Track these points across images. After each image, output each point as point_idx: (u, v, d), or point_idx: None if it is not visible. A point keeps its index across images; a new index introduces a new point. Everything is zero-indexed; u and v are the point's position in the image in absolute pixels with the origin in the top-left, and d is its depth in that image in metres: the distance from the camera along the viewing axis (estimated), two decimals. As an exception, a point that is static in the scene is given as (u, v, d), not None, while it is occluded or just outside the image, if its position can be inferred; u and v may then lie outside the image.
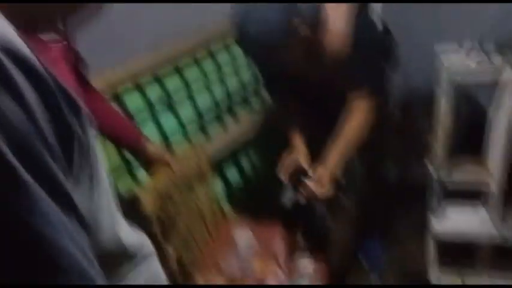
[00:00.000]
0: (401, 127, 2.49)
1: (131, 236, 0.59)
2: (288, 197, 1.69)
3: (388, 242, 2.19)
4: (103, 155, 0.56)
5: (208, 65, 2.14)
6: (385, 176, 2.20)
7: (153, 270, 0.64)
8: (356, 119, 1.62)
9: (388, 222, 2.28)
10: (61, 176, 0.41)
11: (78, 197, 0.46)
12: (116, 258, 0.56)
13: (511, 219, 1.82)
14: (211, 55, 2.14)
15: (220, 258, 1.69)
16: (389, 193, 2.16)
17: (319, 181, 1.58)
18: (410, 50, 2.10)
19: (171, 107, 1.96)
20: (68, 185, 0.42)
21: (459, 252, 2.00)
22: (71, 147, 0.45)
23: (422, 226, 2.09)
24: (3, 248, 0.36)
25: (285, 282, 1.60)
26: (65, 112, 0.43)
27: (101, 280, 0.44)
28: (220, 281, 1.61)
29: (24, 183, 0.36)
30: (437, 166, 1.78)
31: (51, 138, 0.42)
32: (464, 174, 1.81)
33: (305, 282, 1.59)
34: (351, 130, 1.61)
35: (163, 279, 0.67)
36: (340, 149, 1.61)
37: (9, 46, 0.38)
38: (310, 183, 1.60)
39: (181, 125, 2.05)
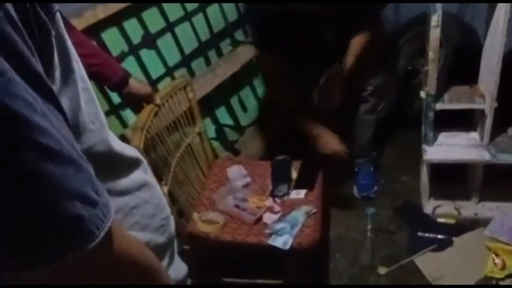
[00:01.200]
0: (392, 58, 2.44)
1: (123, 146, 0.57)
2: (280, 189, 1.70)
3: (381, 172, 2.20)
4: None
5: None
6: (377, 107, 2.18)
7: (151, 182, 0.62)
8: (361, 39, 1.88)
9: (381, 151, 2.29)
10: (40, 68, 0.40)
11: (65, 100, 0.46)
12: (109, 165, 0.53)
13: (502, 141, 1.83)
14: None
15: (215, 196, 1.69)
16: (382, 122, 2.15)
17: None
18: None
19: (151, 42, 1.88)
20: (50, 82, 0.42)
21: (452, 178, 2.03)
22: (49, 44, 0.44)
23: (416, 154, 2.10)
24: None
25: (279, 215, 1.61)
26: (38, 9, 0.42)
27: (91, 172, 0.42)
28: (216, 218, 1.61)
29: (5, 71, 0.35)
30: (430, 94, 1.75)
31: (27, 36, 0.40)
32: (456, 100, 1.79)
33: (300, 214, 1.59)
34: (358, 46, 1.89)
35: (161, 195, 0.64)
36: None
37: None
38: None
39: (164, 62, 1.97)
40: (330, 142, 1.91)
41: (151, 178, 0.63)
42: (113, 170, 0.56)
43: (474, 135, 1.89)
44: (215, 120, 2.32)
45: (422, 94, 1.77)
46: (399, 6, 2.49)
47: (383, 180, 2.19)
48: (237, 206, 1.66)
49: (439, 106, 1.77)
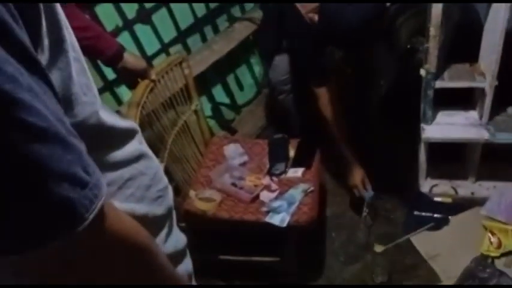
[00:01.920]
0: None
1: (116, 117, 0.55)
2: (277, 167, 1.69)
3: (379, 151, 2.19)
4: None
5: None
6: (376, 86, 2.15)
7: (146, 153, 0.60)
8: None
9: (380, 130, 2.27)
10: (25, 37, 0.37)
11: (56, 71, 0.43)
12: (103, 138, 0.51)
13: (501, 120, 1.81)
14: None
15: (212, 174, 1.67)
16: (380, 103, 2.13)
17: None
18: None
19: (146, 18, 1.84)
20: (39, 52, 0.40)
21: (449, 157, 2.02)
22: (36, 11, 0.41)
23: (413, 134, 2.09)
24: None
25: (277, 193, 1.60)
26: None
27: (82, 150, 0.40)
28: (213, 195, 1.59)
29: None
30: (430, 73, 1.72)
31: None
32: (457, 78, 1.76)
33: (298, 192, 1.58)
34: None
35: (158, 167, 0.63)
36: None
37: None
38: None
39: (159, 38, 1.93)
40: (355, 175, 1.86)
41: (146, 149, 0.61)
42: (106, 142, 0.53)
43: (473, 114, 1.87)
44: (211, 99, 2.29)
45: (422, 72, 1.75)
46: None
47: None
48: (234, 185, 1.64)
49: (438, 84, 1.75)
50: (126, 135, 0.57)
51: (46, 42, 0.43)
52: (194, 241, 1.66)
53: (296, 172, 1.66)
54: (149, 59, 1.89)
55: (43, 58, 0.41)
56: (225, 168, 1.70)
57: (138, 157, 0.58)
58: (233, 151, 1.80)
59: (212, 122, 2.25)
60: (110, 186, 0.53)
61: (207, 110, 2.23)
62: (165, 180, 0.64)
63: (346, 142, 1.84)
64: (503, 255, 1.65)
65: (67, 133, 0.38)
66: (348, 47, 1.80)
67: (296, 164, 1.68)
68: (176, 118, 1.66)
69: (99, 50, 1.34)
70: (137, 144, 0.58)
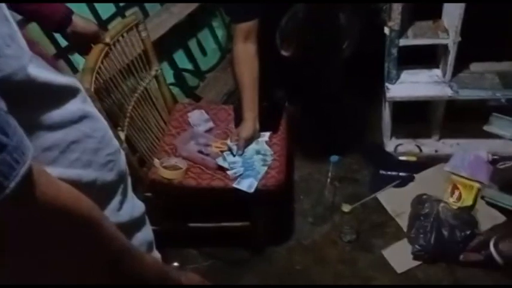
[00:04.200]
0: None
1: (52, 73, 0.49)
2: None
3: (343, 113, 2.18)
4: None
5: None
6: (339, 47, 2.12)
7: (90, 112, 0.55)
8: None
9: (344, 91, 2.27)
10: None
11: None
12: (34, 95, 0.45)
13: (464, 77, 1.83)
14: None
15: (176, 141, 1.62)
16: (344, 63, 2.11)
17: None
18: None
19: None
20: None
21: (413, 116, 2.04)
22: None
23: (377, 94, 2.09)
24: None
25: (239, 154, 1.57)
26: None
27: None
28: (178, 163, 1.55)
29: None
30: (394, 30, 1.70)
31: None
32: (420, 36, 1.76)
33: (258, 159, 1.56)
34: None
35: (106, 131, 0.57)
36: None
37: None
38: None
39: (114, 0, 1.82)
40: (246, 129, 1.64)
41: (92, 109, 0.55)
42: (40, 101, 0.47)
43: (437, 72, 1.88)
44: (173, 65, 2.21)
45: (386, 30, 1.73)
46: None
47: (346, 120, 2.18)
48: (200, 152, 1.60)
49: (402, 42, 1.74)
50: (66, 93, 0.51)
51: None
52: (163, 210, 1.65)
53: (263, 136, 1.64)
54: (104, 23, 1.79)
55: None
56: (190, 136, 1.66)
57: (81, 117, 0.52)
58: (198, 118, 1.75)
59: (176, 90, 2.18)
60: (50, 150, 0.48)
61: (170, 77, 2.15)
62: (116, 143, 0.59)
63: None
64: (461, 210, 1.69)
65: None
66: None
67: (263, 128, 1.65)
68: (136, 85, 1.59)
69: (46, 16, 1.24)
70: (79, 103, 0.53)
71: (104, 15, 1.80)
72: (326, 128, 2.09)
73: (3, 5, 0.42)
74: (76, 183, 0.43)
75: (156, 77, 1.67)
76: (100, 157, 0.54)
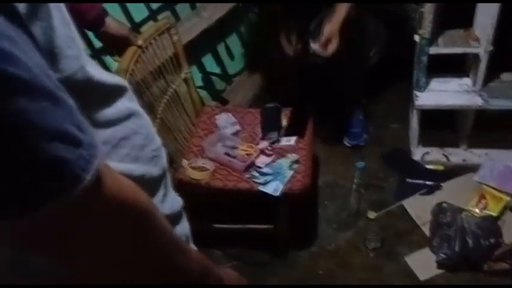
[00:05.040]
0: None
1: (104, 73, 0.52)
2: (270, 136, 1.68)
3: (371, 119, 2.18)
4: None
5: None
6: (367, 54, 2.12)
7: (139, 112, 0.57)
8: None
9: (371, 98, 2.26)
10: None
11: (36, 22, 0.39)
12: (91, 94, 0.48)
13: (495, 87, 1.81)
14: None
15: (204, 143, 1.65)
16: (372, 70, 2.10)
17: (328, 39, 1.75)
18: None
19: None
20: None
21: (441, 125, 2.02)
22: None
23: (406, 102, 2.08)
24: None
25: (268, 161, 1.59)
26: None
27: (72, 105, 0.37)
28: (206, 164, 1.58)
29: None
30: (424, 38, 1.70)
31: None
32: (451, 44, 1.74)
33: (287, 161, 1.57)
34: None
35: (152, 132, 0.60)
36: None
37: None
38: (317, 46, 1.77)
39: (147, 4, 1.87)
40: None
41: (138, 107, 0.58)
42: (96, 99, 0.50)
43: (467, 80, 1.86)
44: (202, 68, 2.25)
45: (416, 37, 1.72)
46: None
47: (372, 127, 2.18)
48: (227, 154, 1.63)
49: (433, 50, 1.73)
50: (116, 92, 0.54)
51: None
52: (189, 211, 1.67)
53: (289, 141, 1.65)
54: (137, 26, 1.83)
55: (20, 6, 0.37)
56: (217, 138, 1.68)
57: (129, 115, 0.55)
58: (225, 120, 1.77)
59: (203, 93, 2.21)
60: (103, 145, 0.50)
61: (198, 80, 2.19)
62: (158, 139, 0.62)
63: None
64: (483, 218, 1.66)
65: (55, 88, 0.35)
66: None
67: (289, 132, 1.67)
68: (166, 87, 1.62)
69: (81, 13, 1.28)
70: (127, 102, 0.55)
71: (137, 18, 1.85)
72: (351, 134, 2.09)
73: (64, 9, 0.45)
74: (128, 178, 0.45)
75: (185, 79, 1.71)
76: (146, 152, 0.57)
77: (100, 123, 0.51)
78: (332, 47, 1.75)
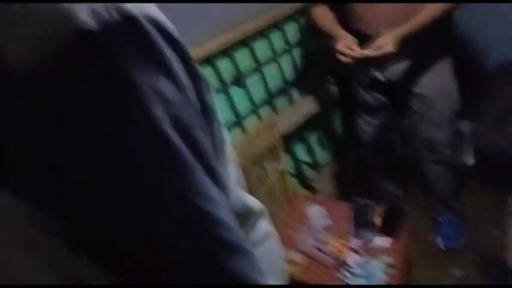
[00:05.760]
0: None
1: (246, 196, 0.56)
2: (362, 234, 1.67)
3: (466, 223, 2.08)
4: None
5: (277, 39, 2.09)
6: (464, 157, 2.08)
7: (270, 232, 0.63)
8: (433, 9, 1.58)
9: (464, 201, 2.17)
10: (209, 148, 0.40)
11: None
12: (241, 219, 0.54)
13: None
14: (280, 29, 2.09)
15: (295, 235, 1.68)
16: (468, 173, 2.05)
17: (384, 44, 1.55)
18: None
19: (241, 81, 1.94)
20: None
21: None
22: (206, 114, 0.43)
23: (502, 207, 1.97)
24: (169, 227, 0.35)
25: (361, 261, 1.57)
26: (200, 78, 0.42)
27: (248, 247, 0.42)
28: (295, 257, 1.60)
29: (185, 161, 0.35)
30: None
31: (197, 108, 0.40)
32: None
33: (381, 264, 1.54)
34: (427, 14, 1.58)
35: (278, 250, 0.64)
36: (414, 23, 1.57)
37: (153, 16, 0.36)
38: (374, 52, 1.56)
39: (252, 100, 2.03)
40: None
41: (272, 227, 0.63)
42: (243, 222, 0.54)
43: None
44: (293, 157, 2.33)
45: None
46: (488, 48, 2.35)
47: (467, 231, 2.07)
48: (317, 248, 1.64)
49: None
50: (258, 215, 0.60)
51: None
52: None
53: (382, 241, 1.63)
54: (241, 119, 1.97)
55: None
56: (308, 230, 1.71)
57: (267, 236, 0.60)
58: (316, 212, 1.80)
59: (293, 180, 2.28)
60: None
61: (289, 167, 2.27)
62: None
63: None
64: None
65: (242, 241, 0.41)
66: None
67: (383, 233, 1.65)
68: (263, 177, 1.71)
69: None
70: (265, 223, 0.61)
71: (242, 113, 1.98)
72: (448, 237, 2.00)
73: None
74: None
75: (282, 172, 1.79)
76: (277, 269, 0.61)
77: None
78: (385, 50, 1.54)
